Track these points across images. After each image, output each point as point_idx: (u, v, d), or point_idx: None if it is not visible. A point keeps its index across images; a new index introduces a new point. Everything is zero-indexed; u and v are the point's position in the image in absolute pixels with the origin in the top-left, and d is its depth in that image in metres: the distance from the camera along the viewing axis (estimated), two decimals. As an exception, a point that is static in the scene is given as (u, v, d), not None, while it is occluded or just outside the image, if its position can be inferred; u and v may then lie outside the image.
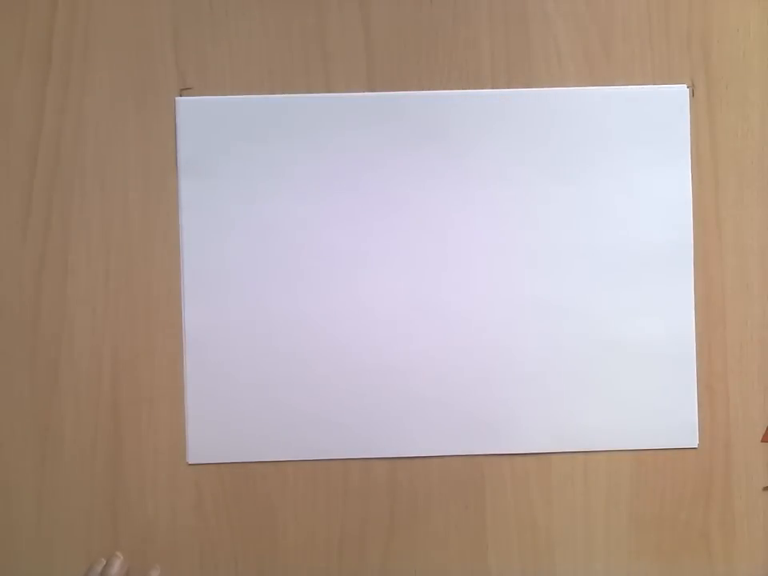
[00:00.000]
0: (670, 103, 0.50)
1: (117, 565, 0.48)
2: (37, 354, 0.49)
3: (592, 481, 0.50)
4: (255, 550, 0.49)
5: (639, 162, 0.49)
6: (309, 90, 0.49)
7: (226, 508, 0.49)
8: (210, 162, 0.49)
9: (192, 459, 0.49)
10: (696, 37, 0.50)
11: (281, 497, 0.49)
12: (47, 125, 0.49)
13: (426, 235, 0.49)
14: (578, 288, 0.49)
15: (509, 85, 0.50)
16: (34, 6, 0.49)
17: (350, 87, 0.49)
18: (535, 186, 0.49)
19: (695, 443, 0.49)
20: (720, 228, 0.50)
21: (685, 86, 0.50)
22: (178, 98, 0.49)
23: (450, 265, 0.49)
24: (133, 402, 0.49)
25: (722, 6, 0.50)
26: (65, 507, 0.49)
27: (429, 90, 0.49)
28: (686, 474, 0.49)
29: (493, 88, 0.50)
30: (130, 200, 0.49)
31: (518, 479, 0.49)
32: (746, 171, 0.50)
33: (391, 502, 0.49)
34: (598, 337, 0.49)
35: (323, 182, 0.49)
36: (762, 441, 0.49)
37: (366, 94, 0.49)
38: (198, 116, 0.49)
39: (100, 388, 0.49)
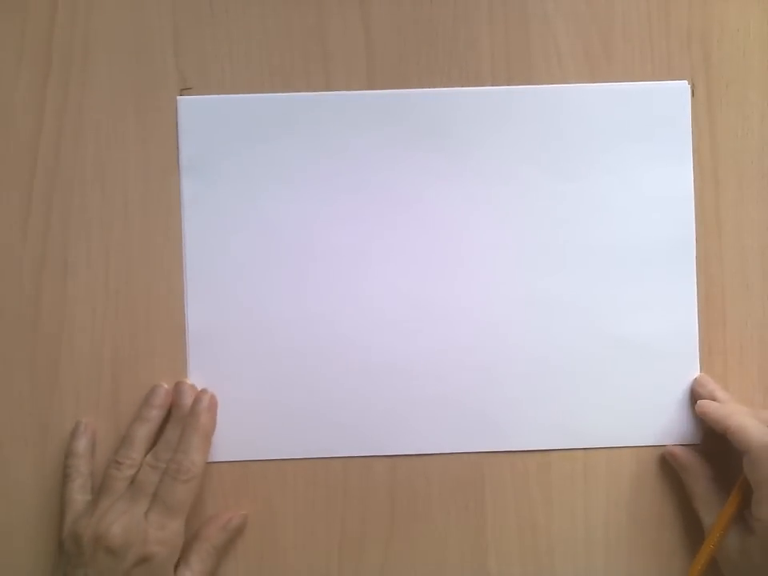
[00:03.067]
0: (671, 99, 0.50)
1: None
2: (37, 354, 0.49)
3: (592, 479, 0.50)
4: (255, 549, 0.49)
5: (640, 159, 0.49)
6: (309, 90, 0.49)
7: (225, 507, 0.49)
8: (213, 161, 0.49)
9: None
10: (696, 37, 0.50)
11: (281, 496, 0.49)
12: (47, 125, 0.49)
13: (427, 233, 0.49)
14: (579, 285, 0.49)
15: (509, 84, 0.50)
16: (34, 6, 0.49)
17: (350, 87, 0.49)
18: (537, 183, 0.49)
19: (698, 440, 0.49)
20: (720, 228, 0.50)
21: (686, 82, 0.50)
22: (179, 97, 0.49)
23: (450, 262, 0.49)
24: (133, 402, 0.49)
25: (721, 5, 0.50)
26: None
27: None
28: (686, 474, 0.50)
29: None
30: (130, 200, 0.49)
31: (518, 478, 0.49)
32: (746, 171, 0.50)
33: (391, 501, 0.49)
34: (600, 333, 0.49)
35: (327, 181, 0.49)
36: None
37: (371, 92, 0.49)
38: (200, 115, 0.49)
39: (100, 388, 0.49)
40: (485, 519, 0.49)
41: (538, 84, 0.49)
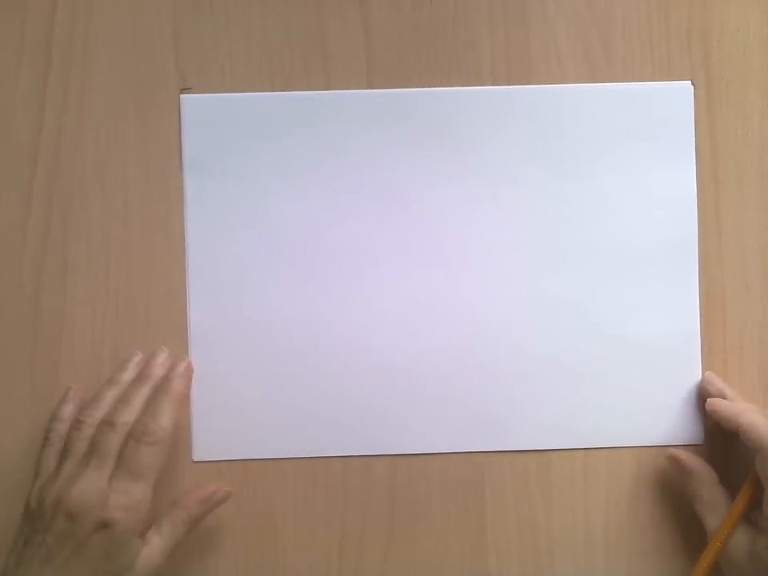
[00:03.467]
0: (674, 100, 0.50)
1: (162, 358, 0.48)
2: (37, 354, 0.49)
3: (592, 479, 0.49)
4: (255, 549, 0.49)
5: (643, 159, 0.49)
6: (309, 90, 0.49)
7: (225, 506, 0.49)
8: (215, 159, 0.49)
9: (197, 457, 0.49)
10: (696, 37, 0.50)
11: (281, 496, 0.49)
12: (47, 125, 0.49)
13: (429, 232, 0.49)
14: (580, 284, 0.49)
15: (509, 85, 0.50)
16: (33, 6, 0.49)
17: (349, 88, 0.49)
18: (540, 183, 0.49)
19: (700, 440, 0.49)
20: (720, 228, 0.50)
21: (689, 82, 0.50)
22: (182, 95, 0.49)
23: (451, 261, 0.49)
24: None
25: (721, 5, 0.50)
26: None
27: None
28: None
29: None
30: (130, 200, 0.49)
31: (519, 478, 0.49)
32: (746, 171, 0.50)
33: (391, 501, 0.49)
34: (601, 333, 0.49)
35: (330, 180, 0.49)
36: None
37: (375, 91, 0.49)
38: (203, 113, 0.49)
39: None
40: (485, 519, 0.49)
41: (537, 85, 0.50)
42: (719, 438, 0.49)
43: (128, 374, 0.47)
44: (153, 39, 0.49)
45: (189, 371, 0.48)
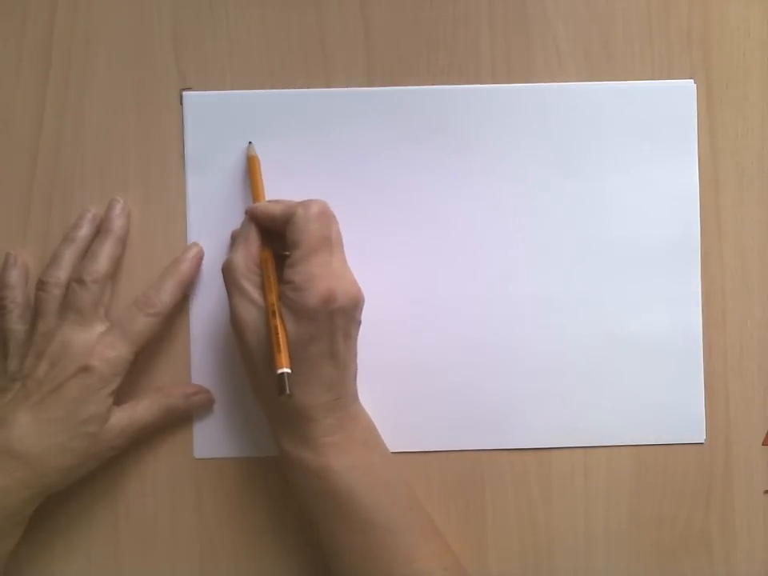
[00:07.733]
0: (677, 98, 0.50)
1: (118, 209, 0.48)
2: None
3: (592, 478, 0.50)
4: (256, 549, 0.49)
5: (645, 157, 0.49)
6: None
7: (227, 506, 0.49)
8: (218, 157, 0.49)
9: (198, 454, 0.49)
10: (696, 37, 0.50)
11: (282, 493, 0.49)
12: (47, 125, 0.49)
13: (432, 230, 0.49)
14: (582, 282, 0.49)
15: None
16: (33, 6, 0.49)
17: (350, 87, 0.49)
18: (541, 181, 0.49)
19: (702, 438, 0.49)
20: (720, 228, 0.50)
21: (692, 81, 0.50)
22: (185, 93, 0.49)
23: (451, 259, 0.49)
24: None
25: (721, 5, 0.50)
26: (65, 507, 0.49)
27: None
28: (687, 473, 0.50)
29: (493, 88, 0.50)
30: (130, 200, 0.49)
31: (519, 477, 0.50)
32: (746, 171, 0.50)
33: (392, 501, 0.49)
34: (603, 331, 0.49)
35: (333, 177, 0.49)
36: (763, 444, 0.49)
37: (378, 89, 0.49)
38: (206, 110, 0.49)
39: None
40: (485, 518, 0.50)
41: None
42: (720, 436, 0.49)
43: (83, 231, 0.48)
44: (153, 39, 0.49)
45: (199, 256, 0.49)
